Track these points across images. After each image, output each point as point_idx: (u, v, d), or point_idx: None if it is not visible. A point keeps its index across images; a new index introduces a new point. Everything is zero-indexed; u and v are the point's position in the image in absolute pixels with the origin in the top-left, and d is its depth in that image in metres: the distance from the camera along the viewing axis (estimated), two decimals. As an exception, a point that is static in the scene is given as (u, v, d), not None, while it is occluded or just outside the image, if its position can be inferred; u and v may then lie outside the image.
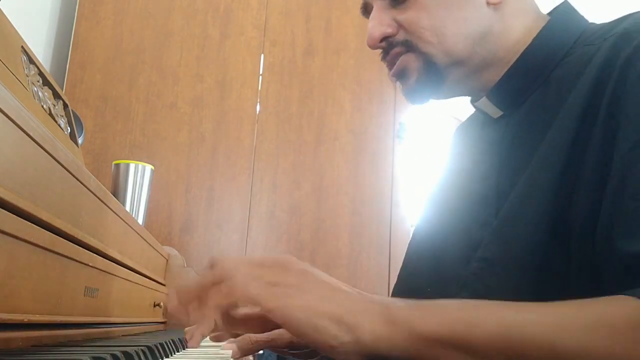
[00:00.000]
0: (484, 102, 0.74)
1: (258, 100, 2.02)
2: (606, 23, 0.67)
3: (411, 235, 0.90)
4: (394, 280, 2.07)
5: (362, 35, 2.15)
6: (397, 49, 0.72)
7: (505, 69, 0.71)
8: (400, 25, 0.71)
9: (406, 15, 0.71)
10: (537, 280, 0.60)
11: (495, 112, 0.73)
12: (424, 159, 3.47)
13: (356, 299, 0.51)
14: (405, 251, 0.90)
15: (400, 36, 0.72)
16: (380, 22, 0.72)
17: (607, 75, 0.59)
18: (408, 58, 0.71)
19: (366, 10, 0.77)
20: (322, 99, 2.05)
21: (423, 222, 0.87)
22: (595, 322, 0.46)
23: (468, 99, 0.78)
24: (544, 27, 0.70)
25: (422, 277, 0.78)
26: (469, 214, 0.72)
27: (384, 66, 0.77)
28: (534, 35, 0.70)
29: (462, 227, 0.73)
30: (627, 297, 0.47)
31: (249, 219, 1.93)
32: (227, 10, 2.05)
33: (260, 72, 2.04)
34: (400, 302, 0.50)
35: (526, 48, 0.70)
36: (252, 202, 1.94)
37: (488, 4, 0.70)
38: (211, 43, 2.02)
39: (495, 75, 0.72)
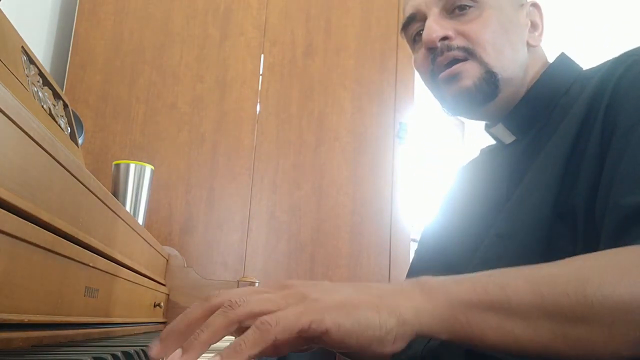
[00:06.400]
0: (499, 128, 0.82)
1: (258, 100, 2.01)
2: (601, 63, 0.76)
3: (418, 244, 0.95)
4: (394, 280, 2.05)
5: (362, 35, 2.15)
6: (455, 52, 0.76)
7: (518, 100, 0.79)
8: (460, 34, 0.77)
9: (469, 27, 0.76)
10: (544, 254, 0.63)
11: (508, 138, 0.82)
12: (424, 159, 3.47)
13: (383, 285, 0.49)
14: (405, 251, 0.92)
15: (460, 42, 0.76)
16: (440, 25, 0.77)
17: (604, 88, 0.67)
18: (468, 65, 0.76)
19: (412, 21, 0.81)
20: (322, 99, 2.05)
21: (431, 230, 0.93)
22: (613, 267, 0.49)
23: None
24: (549, 66, 0.81)
25: None
26: (479, 214, 0.79)
27: (384, 66, 0.80)
28: (541, 73, 0.80)
29: (470, 225, 0.79)
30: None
31: (249, 219, 1.93)
32: (227, 11, 2.05)
33: (260, 72, 2.04)
34: (428, 277, 0.50)
35: (535, 82, 0.79)
36: (252, 202, 1.94)
37: (528, 44, 0.79)
38: (211, 43, 2.02)
39: (511, 104, 0.80)
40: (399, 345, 0.46)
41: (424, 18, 0.79)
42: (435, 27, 0.76)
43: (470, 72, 0.76)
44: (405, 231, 1.98)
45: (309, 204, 1.96)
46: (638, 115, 0.62)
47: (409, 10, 0.82)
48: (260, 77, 2.03)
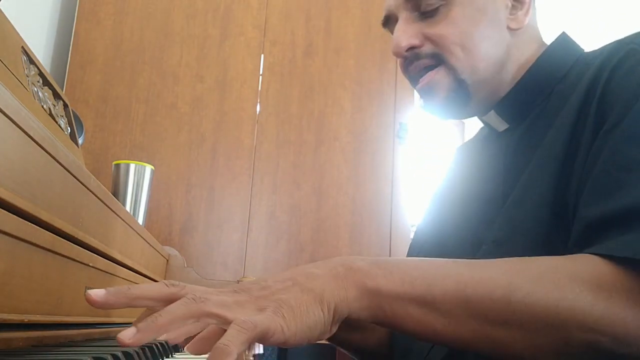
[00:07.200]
0: (491, 115, 0.78)
1: (258, 100, 2.02)
2: (602, 46, 0.72)
3: (412, 238, 0.92)
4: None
5: (362, 35, 2.15)
6: (425, 61, 0.74)
7: (511, 86, 0.76)
8: (427, 38, 0.74)
9: (435, 30, 0.73)
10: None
11: (501, 125, 0.78)
12: (424, 159, 3.47)
13: (319, 274, 0.51)
14: (404, 251, 0.91)
15: (428, 48, 0.74)
16: (406, 33, 0.74)
17: (598, 78, 0.64)
18: (438, 75, 0.74)
19: (388, 22, 0.80)
20: (322, 99, 2.05)
21: (425, 225, 0.90)
22: (547, 277, 0.50)
23: None
24: (546, 50, 0.76)
25: None
26: (475, 214, 0.76)
27: (384, 66, 0.78)
28: (537, 57, 0.75)
29: (467, 227, 0.76)
30: (582, 254, 0.53)
31: (249, 219, 1.93)
32: (227, 10, 2.05)
33: (260, 72, 2.04)
34: (361, 262, 0.53)
35: (530, 67, 0.75)
36: (252, 202, 1.94)
37: (509, 28, 0.75)
38: (211, 43, 2.02)
39: (503, 91, 0.76)
40: (334, 330, 0.51)
41: (397, 20, 0.77)
42: (402, 38, 0.74)
43: (440, 83, 0.74)
44: (406, 231, 1.98)
45: (309, 204, 1.96)
46: (621, 116, 0.59)
47: (384, 10, 0.80)
48: (260, 77, 2.03)
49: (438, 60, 0.74)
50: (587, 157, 0.61)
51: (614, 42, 0.69)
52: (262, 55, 2.05)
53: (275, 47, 2.06)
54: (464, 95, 0.74)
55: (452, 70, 0.73)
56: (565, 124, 0.66)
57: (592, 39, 0.87)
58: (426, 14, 0.74)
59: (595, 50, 0.72)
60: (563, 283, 0.50)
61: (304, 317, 0.48)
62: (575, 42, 0.78)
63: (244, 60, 2.03)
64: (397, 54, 0.76)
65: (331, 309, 0.50)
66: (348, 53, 2.08)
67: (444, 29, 0.73)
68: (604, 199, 0.56)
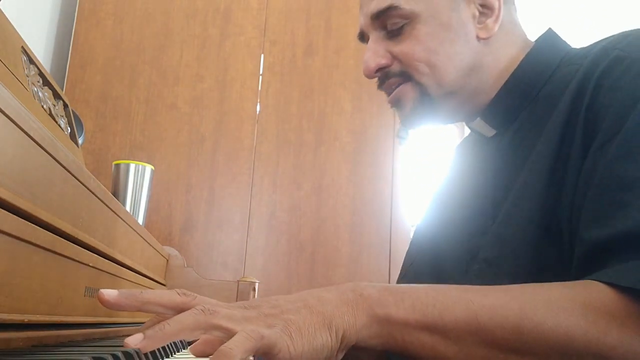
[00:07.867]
0: (478, 122, 0.78)
1: (258, 100, 2.02)
2: (589, 45, 0.71)
3: (410, 243, 0.91)
4: (393, 280, 2.05)
5: (362, 35, 2.15)
6: (393, 80, 0.76)
7: (496, 92, 0.75)
8: (394, 57, 0.75)
9: (401, 48, 0.74)
10: (534, 276, 0.61)
11: (489, 132, 0.77)
12: (424, 160, 3.47)
13: (330, 299, 0.52)
14: (404, 251, 0.91)
15: (396, 67, 0.75)
16: (375, 54, 0.76)
17: (585, 87, 0.63)
18: (405, 89, 0.75)
19: (362, 38, 0.81)
20: (322, 99, 2.05)
21: (425, 226, 0.89)
22: (558, 305, 0.50)
23: None
24: (530, 51, 0.75)
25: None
26: (467, 225, 0.75)
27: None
28: (521, 59, 0.74)
29: (460, 238, 0.75)
30: (591, 281, 0.52)
31: (249, 219, 1.93)
32: (227, 10, 2.05)
33: (260, 72, 2.04)
34: (372, 289, 0.53)
35: (514, 70, 0.74)
36: (252, 202, 1.94)
37: (478, 38, 0.74)
38: (211, 43, 2.02)
39: (486, 98, 0.75)
40: (339, 357, 0.52)
41: (368, 38, 0.78)
42: (370, 60, 0.76)
43: (406, 95, 0.75)
44: (406, 231, 1.97)
45: (309, 204, 1.96)
46: (613, 131, 0.58)
47: (358, 27, 0.81)
48: (260, 77, 2.03)
49: (406, 77, 0.75)
50: (580, 173, 0.60)
51: (600, 43, 0.67)
52: (262, 55, 2.05)
53: (275, 47, 2.06)
54: (429, 105, 0.75)
55: (418, 85, 0.74)
56: (553, 134, 0.65)
57: (581, 29, 0.85)
58: (393, 33, 0.74)
59: (582, 49, 0.71)
60: (575, 311, 0.50)
61: (311, 340, 0.48)
62: (560, 39, 0.76)
63: (244, 60, 2.03)
64: (367, 76, 0.78)
65: (339, 334, 0.50)
66: (348, 53, 2.08)
67: (408, 47, 0.73)
68: (605, 221, 0.55)
